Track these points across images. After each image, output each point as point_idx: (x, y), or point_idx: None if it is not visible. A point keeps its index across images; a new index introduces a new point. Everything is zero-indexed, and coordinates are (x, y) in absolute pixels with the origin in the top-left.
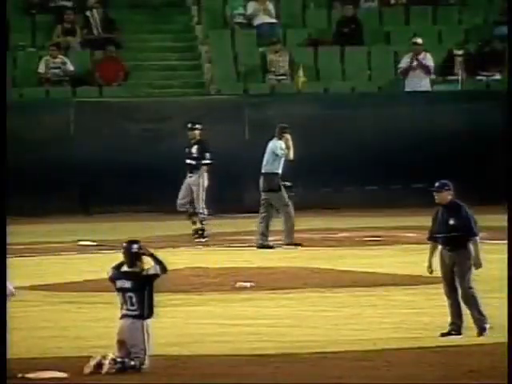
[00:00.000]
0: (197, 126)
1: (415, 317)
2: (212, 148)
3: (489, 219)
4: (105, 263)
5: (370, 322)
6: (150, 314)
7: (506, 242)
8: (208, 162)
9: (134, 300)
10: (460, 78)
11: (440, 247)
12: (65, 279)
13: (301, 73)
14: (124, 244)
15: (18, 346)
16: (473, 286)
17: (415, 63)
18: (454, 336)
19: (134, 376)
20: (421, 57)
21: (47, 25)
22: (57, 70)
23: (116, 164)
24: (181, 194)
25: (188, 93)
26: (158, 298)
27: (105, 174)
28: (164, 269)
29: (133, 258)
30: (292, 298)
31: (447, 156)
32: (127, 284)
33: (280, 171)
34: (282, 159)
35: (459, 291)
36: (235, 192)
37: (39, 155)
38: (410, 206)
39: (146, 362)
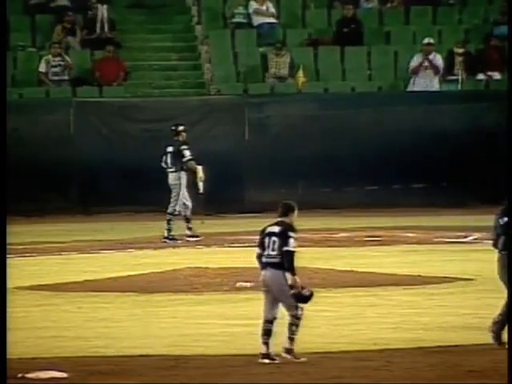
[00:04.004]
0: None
1: (415, 317)
2: (212, 148)
3: (489, 219)
4: (105, 263)
5: (370, 322)
6: None
7: None
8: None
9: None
10: (460, 77)
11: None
12: (65, 279)
13: (301, 73)
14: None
15: (17, 346)
16: None
17: (426, 63)
18: None
19: (134, 376)
20: (431, 57)
21: (47, 25)
22: (57, 69)
23: (116, 164)
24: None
25: (188, 93)
26: (158, 298)
27: (105, 174)
28: None
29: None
30: None
31: (447, 156)
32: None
33: None
34: None
35: None
36: (235, 192)
37: (39, 155)
38: (410, 206)
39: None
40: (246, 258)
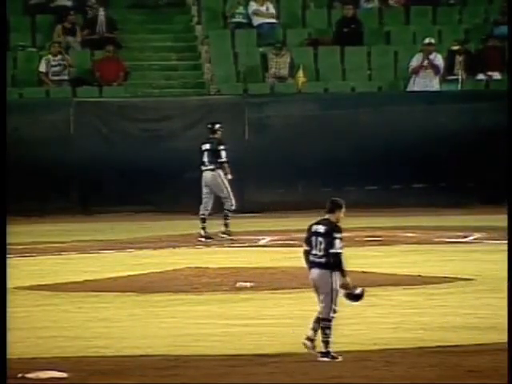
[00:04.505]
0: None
1: (415, 317)
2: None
3: (489, 219)
4: (105, 263)
5: (370, 322)
6: None
7: (506, 241)
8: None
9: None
10: (460, 77)
11: None
12: (65, 279)
13: (301, 73)
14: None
15: (17, 346)
16: None
17: (426, 63)
18: None
19: (134, 376)
20: (431, 57)
21: (47, 25)
22: (58, 68)
23: (116, 164)
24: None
25: (188, 93)
26: (157, 298)
27: (105, 173)
28: None
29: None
30: (292, 297)
31: (447, 156)
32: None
33: None
34: None
35: None
36: (235, 192)
37: (39, 155)
38: (410, 205)
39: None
40: (246, 257)
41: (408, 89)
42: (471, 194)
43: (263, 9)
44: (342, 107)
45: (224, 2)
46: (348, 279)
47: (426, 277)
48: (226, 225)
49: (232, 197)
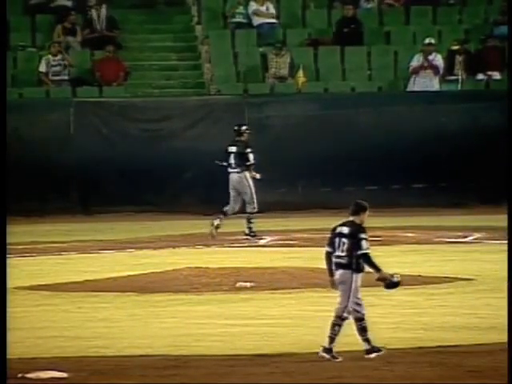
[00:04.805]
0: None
1: (415, 317)
2: (212, 148)
3: (489, 219)
4: (105, 263)
5: (370, 321)
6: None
7: (506, 241)
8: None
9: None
10: (460, 77)
11: None
12: (65, 279)
13: (301, 73)
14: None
15: (17, 346)
16: None
17: (426, 63)
18: None
19: (134, 376)
20: (431, 57)
21: (47, 25)
22: (58, 68)
23: (116, 164)
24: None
25: (188, 93)
26: (157, 297)
27: (105, 173)
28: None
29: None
30: (292, 297)
31: (447, 156)
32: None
33: None
34: None
35: None
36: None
37: (39, 155)
38: (410, 205)
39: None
40: (246, 257)
41: (408, 89)
42: (471, 194)
43: (263, 9)
44: (342, 107)
45: (224, 2)
46: (383, 271)
47: (426, 277)
48: (250, 228)
49: (255, 200)
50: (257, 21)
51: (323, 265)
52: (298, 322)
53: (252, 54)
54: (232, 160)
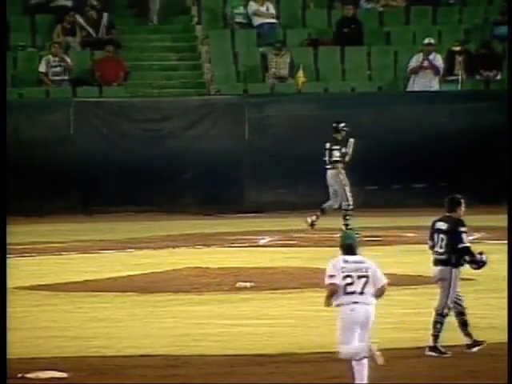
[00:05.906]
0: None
1: (415, 317)
2: (212, 148)
3: (489, 219)
4: (105, 263)
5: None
6: None
7: (506, 241)
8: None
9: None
10: (460, 77)
11: None
12: (65, 279)
13: (301, 73)
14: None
15: (17, 346)
16: None
17: (426, 63)
18: None
19: (134, 376)
20: (431, 57)
21: (47, 25)
22: (57, 68)
23: (116, 164)
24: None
25: (188, 93)
26: (157, 297)
27: (105, 174)
28: None
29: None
30: (292, 297)
31: (447, 156)
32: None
33: None
34: None
35: None
36: (235, 192)
37: (39, 155)
38: (410, 206)
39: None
40: (246, 258)
41: (408, 89)
42: (471, 194)
43: (263, 9)
44: (342, 107)
45: (224, 2)
46: (476, 254)
47: (426, 277)
48: (347, 224)
49: (349, 197)
50: (257, 21)
51: (323, 265)
52: (298, 321)
53: (252, 54)
54: (326, 157)
